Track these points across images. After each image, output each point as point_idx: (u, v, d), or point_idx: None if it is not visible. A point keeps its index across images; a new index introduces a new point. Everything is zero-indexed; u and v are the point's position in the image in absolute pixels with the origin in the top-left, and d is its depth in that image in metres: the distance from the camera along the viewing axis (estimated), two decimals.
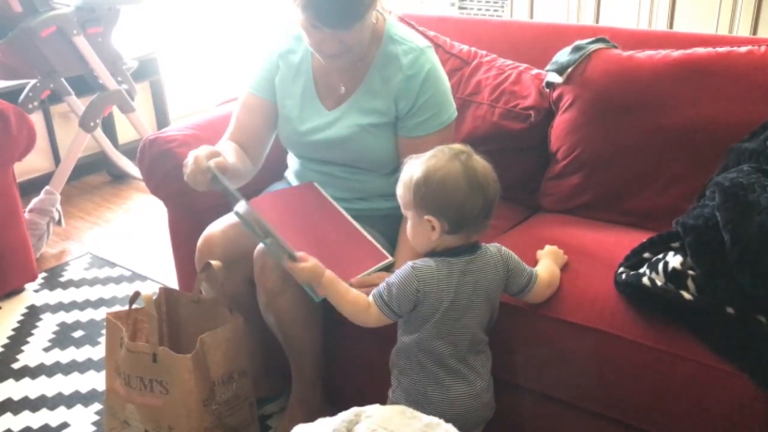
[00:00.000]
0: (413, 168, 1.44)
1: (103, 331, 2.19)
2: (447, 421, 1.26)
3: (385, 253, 1.67)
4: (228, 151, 1.73)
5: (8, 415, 2.05)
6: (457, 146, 1.45)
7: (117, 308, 2.48)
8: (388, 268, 1.63)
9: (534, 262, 1.66)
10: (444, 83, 1.74)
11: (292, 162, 1.94)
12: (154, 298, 1.73)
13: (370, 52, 1.72)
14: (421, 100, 1.70)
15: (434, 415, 1.35)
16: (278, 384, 2.01)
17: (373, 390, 1.56)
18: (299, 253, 1.47)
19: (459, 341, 1.46)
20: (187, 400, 1.67)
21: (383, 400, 1.51)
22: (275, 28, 1.87)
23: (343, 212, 1.74)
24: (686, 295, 1.41)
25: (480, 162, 1.43)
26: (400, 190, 1.47)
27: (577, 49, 1.95)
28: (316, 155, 1.82)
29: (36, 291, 2.67)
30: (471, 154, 1.43)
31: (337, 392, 1.90)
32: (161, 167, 1.93)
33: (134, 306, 1.79)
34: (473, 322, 1.46)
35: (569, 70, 1.93)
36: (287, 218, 1.68)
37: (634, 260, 1.54)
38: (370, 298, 1.47)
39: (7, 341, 2.38)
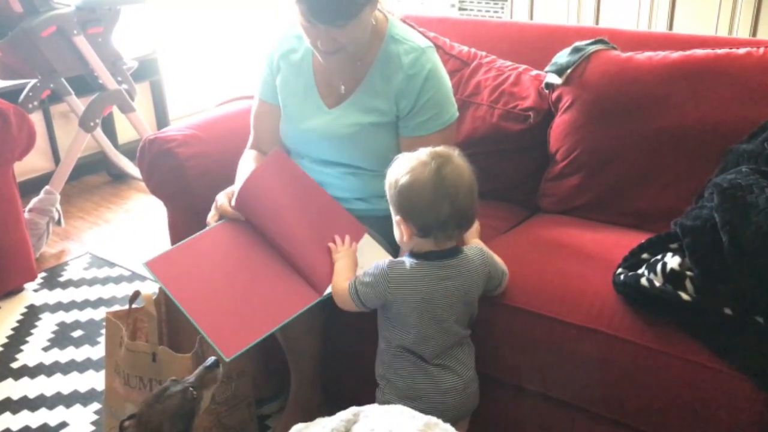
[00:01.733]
0: (393, 168, 1.46)
1: (102, 331, 2.19)
2: (439, 413, 1.28)
3: (360, 225, 1.68)
4: (247, 170, 1.77)
5: (7, 414, 2.06)
6: (438, 150, 1.43)
7: (116, 308, 2.48)
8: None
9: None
10: (445, 83, 1.74)
11: None
12: (154, 297, 1.73)
13: (371, 52, 1.72)
14: (422, 100, 1.70)
15: (427, 407, 1.36)
16: (277, 384, 2.01)
17: (371, 390, 1.57)
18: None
19: (444, 341, 1.48)
20: None
21: None
22: (276, 29, 1.88)
23: (311, 181, 1.74)
24: (684, 296, 1.42)
25: (455, 169, 1.40)
26: (385, 188, 1.48)
27: (577, 50, 1.96)
28: (316, 154, 1.82)
29: (35, 291, 2.67)
30: (449, 159, 1.41)
31: (336, 392, 1.90)
32: (161, 167, 1.94)
33: (134, 305, 1.79)
34: (455, 322, 1.48)
35: (568, 71, 1.93)
36: (274, 207, 1.68)
37: (632, 261, 1.54)
38: (347, 283, 1.50)
39: (6, 341, 2.38)
